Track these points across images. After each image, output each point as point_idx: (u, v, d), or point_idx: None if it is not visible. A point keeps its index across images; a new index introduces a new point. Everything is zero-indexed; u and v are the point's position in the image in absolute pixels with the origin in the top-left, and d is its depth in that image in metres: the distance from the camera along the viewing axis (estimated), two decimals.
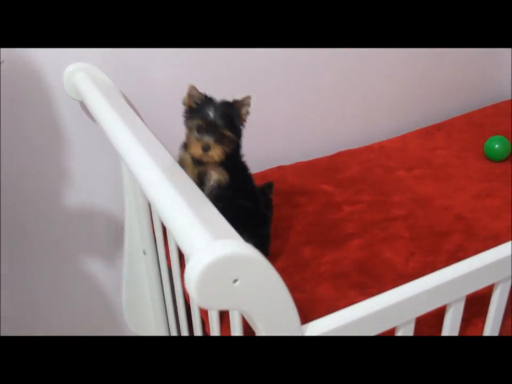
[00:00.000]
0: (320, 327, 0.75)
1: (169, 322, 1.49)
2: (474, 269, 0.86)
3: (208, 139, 1.00)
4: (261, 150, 1.64)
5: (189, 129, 1.03)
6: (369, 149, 1.69)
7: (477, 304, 1.02)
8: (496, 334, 0.99)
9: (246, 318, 0.75)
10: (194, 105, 1.02)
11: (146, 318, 1.55)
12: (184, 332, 1.32)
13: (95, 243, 1.49)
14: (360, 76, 1.70)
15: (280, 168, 1.59)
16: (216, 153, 1.00)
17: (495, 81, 2.00)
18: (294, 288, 1.11)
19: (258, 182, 1.53)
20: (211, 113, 1.00)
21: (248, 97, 1.04)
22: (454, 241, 1.24)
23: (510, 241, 0.90)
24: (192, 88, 1.02)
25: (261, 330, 0.70)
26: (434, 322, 0.99)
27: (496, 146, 1.56)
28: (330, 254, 1.22)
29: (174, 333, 1.49)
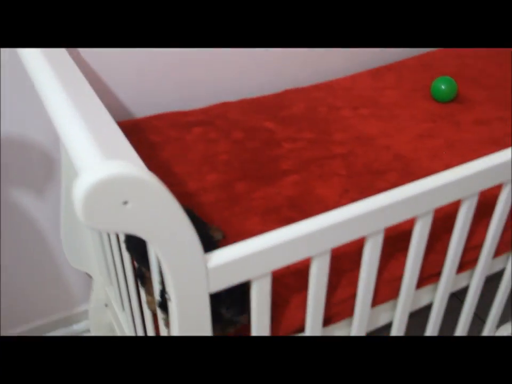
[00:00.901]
0: (225, 255, 0.73)
1: (107, 256, 1.46)
2: (394, 201, 0.84)
3: None
4: (206, 85, 1.59)
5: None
6: (316, 87, 1.65)
7: (401, 239, 1.02)
8: (418, 268, 0.99)
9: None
10: None
11: (85, 253, 1.52)
12: (118, 263, 1.29)
13: (28, 176, 1.44)
14: None
15: (224, 104, 1.55)
16: None
17: None
18: (222, 223, 1.10)
19: (200, 117, 1.49)
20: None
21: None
22: (389, 179, 1.23)
23: (433, 175, 0.89)
24: None
25: (161, 257, 0.68)
26: (356, 258, 0.98)
27: (443, 87, 1.53)
28: (263, 190, 1.19)
29: (111, 268, 1.46)
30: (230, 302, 0.84)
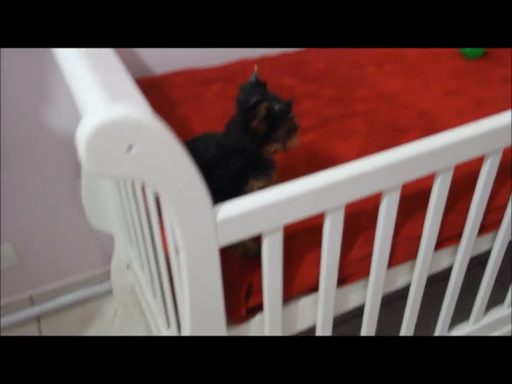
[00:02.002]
0: (235, 208, 0.71)
1: (127, 216, 1.45)
2: (412, 155, 0.81)
3: (292, 122, 0.88)
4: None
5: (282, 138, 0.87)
6: None
7: (419, 198, 0.99)
8: (437, 228, 0.96)
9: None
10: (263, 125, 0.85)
11: (107, 214, 1.52)
12: (137, 223, 1.28)
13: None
14: None
15: (244, 62, 1.51)
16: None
17: None
18: None
19: (220, 74, 1.46)
20: (283, 107, 0.86)
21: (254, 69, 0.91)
22: (411, 137, 1.19)
23: (454, 129, 0.85)
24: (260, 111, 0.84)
25: (169, 207, 0.66)
26: (373, 216, 0.95)
27: None
28: None
29: (131, 228, 1.46)
30: None
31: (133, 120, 0.57)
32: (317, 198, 0.76)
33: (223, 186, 0.88)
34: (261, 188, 0.90)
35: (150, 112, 0.63)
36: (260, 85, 0.90)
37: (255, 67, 0.92)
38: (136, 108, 0.58)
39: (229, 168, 0.88)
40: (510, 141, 0.89)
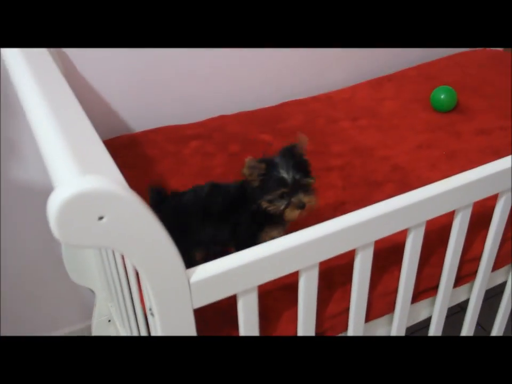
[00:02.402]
0: (209, 270, 0.71)
1: (107, 272, 1.45)
2: (383, 213, 0.82)
3: (298, 198, 0.95)
4: (203, 99, 1.59)
5: (270, 201, 0.94)
6: (315, 99, 1.65)
7: (393, 252, 1.00)
8: (412, 282, 0.97)
9: None
10: (258, 179, 0.94)
11: (87, 269, 1.51)
12: (116, 279, 1.28)
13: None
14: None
15: (221, 118, 1.54)
16: (313, 200, 0.96)
17: None
18: None
19: (198, 131, 1.48)
20: (287, 177, 0.94)
21: (304, 138, 1.00)
22: (386, 191, 1.21)
23: (424, 187, 0.87)
24: (251, 161, 0.93)
25: (141, 272, 0.66)
26: (348, 271, 0.96)
27: (442, 96, 1.52)
28: None
29: (111, 283, 1.45)
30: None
31: (104, 191, 0.58)
32: (291, 258, 0.77)
33: (245, 227, 0.96)
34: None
35: (120, 181, 0.64)
36: (294, 153, 0.99)
37: (304, 137, 1.00)
38: (105, 179, 0.59)
39: (248, 209, 0.96)
40: (479, 196, 0.92)
